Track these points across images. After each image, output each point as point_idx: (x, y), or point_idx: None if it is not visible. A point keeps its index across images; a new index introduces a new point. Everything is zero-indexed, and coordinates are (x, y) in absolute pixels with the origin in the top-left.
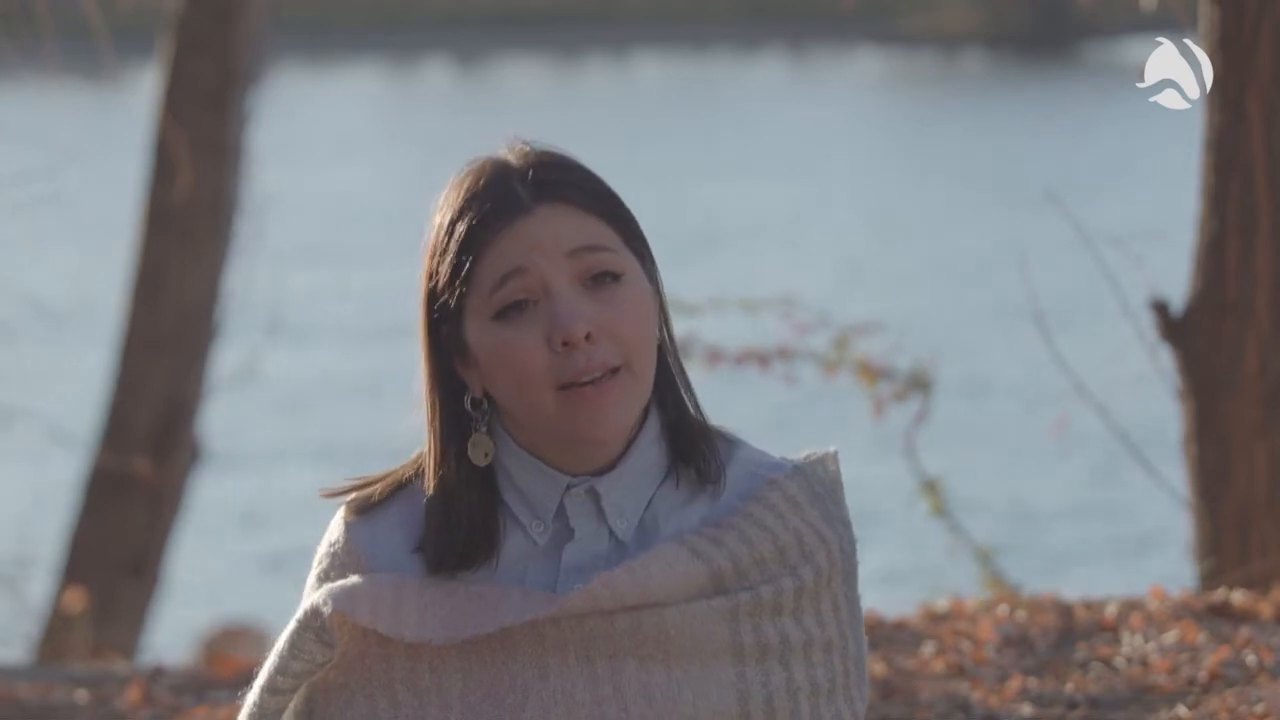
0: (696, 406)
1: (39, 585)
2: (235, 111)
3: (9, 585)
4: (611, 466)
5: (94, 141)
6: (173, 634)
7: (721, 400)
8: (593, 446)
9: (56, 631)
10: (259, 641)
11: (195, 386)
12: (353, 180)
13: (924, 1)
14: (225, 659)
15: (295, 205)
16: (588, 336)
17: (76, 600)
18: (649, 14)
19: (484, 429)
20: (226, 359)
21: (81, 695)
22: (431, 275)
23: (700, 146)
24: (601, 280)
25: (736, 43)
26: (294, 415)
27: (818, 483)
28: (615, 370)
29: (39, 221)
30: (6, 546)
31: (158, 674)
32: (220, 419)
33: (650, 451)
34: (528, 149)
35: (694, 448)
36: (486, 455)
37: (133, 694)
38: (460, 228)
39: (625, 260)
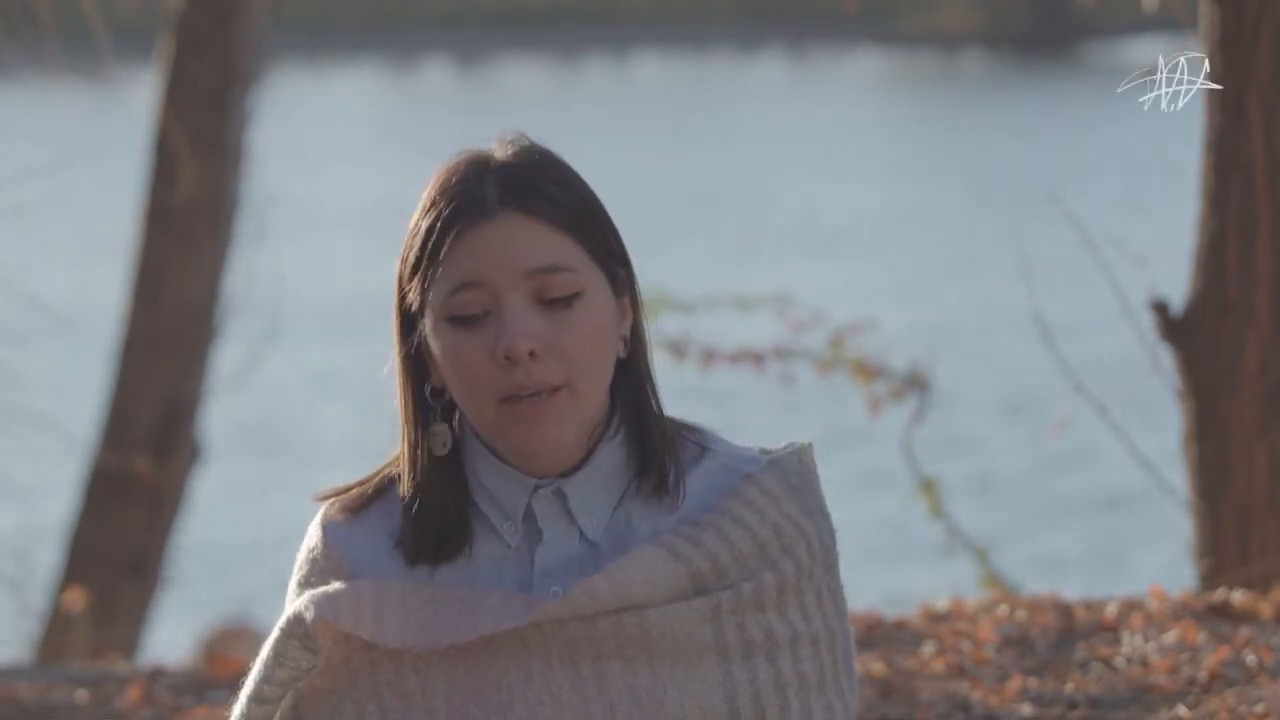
0: (660, 409)
1: (39, 585)
2: (235, 111)
3: (9, 585)
4: (578, 468)
5: (94, 141)
6: (173, 634)
7: (716, 398)
8: (532, 458)
9: (56, 631)
10: (258, 641)
11: (195, 386)
12: (352, 180)
13: (924, 1)
14: (225, 659)
15: (295, 205)
16: (531, 354)
17: (76, 600)
18: (649, 14)
19: (442, 419)
20: (227, 359)
21: (81, 695)
22: (403, 261)
23: (700, 146)
24: (557, 300)
25: (736, 43)
26: (292, 415)
27: (793, 475)
28: (556, 389)
29: (40, 221)
30: (6, 546)
31: (158, 674)
32: (220, 418)
33: (617, 452)
34: (513, 145)
35: (656, 452)
36: (445, 445)
37: (133, 694)
38: (425, 223)
39: (586, 279)
